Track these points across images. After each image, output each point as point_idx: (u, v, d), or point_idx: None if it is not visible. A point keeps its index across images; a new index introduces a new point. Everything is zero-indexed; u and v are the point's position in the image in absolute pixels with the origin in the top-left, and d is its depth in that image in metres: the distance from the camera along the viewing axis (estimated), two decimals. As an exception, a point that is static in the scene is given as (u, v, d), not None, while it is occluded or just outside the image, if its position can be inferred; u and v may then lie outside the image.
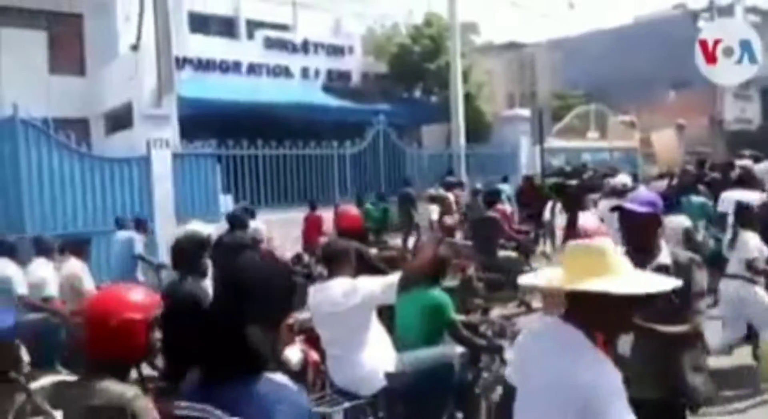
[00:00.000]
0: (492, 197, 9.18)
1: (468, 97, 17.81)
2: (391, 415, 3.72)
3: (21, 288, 5.63)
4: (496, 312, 7.19)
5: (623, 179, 9.32)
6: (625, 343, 2.78)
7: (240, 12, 18.90)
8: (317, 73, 17.74)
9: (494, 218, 8.35)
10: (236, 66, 16.39)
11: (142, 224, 8.56)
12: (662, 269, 2.73)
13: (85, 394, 2.18)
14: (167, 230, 9.40)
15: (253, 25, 18.34)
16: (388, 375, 3.66)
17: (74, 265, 6.22)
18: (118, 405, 2.12)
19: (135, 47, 13.92)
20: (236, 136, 12.22)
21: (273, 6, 18.76)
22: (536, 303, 8.01)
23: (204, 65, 15.85)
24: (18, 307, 5.35)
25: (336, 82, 17.95)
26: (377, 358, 3.70)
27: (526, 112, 18.09)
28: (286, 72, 17.16)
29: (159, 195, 10.61)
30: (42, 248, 6.29)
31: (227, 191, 12.28)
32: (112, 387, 2.17)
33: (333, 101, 16.83)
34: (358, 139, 14.33)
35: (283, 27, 18.80)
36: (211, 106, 13.79)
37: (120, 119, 15.34)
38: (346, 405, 3.60)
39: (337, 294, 3.69)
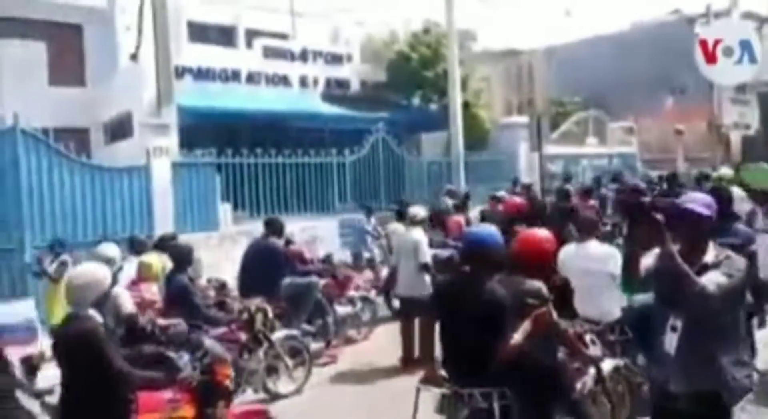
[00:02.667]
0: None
1: (466, 105, 17.87)
2: (621, 338, 4.95)
3: None
4: None
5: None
6: (670, 340, 3.04)
7: (239, 21, 18.99)
8: (316, 81, 17.81)
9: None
10: (235, 75, 16.45)
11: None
12: (704, 268, 2.98)
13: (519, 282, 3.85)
14: (167, 239, 9.40)
15: (252, 34, 18.42)
16: (623, 310, 4.97)
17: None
18: (537, 288, 3.81)
19: (134, 57, 14.01)
20: (235, 144, 12.26)
21: (272, 15, 18.85)
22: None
23: (203, 74, 15.91)
24: None
25: (335, 90, 18.01)
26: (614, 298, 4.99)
27: (524, 119, 18.15)
28: (285, 80, 17.23)
29: (159, 204, 10.63)
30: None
31: (226, 200, 12.31)
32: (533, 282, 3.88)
33: (332, 109, 16.89)
34: (357, 147, 14.37)
35: (281, 36, 18.89)
36: (211, 115, 13.85)
37: (120, 129, 15.40)
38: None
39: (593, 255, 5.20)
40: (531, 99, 31.37)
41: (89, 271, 3.81)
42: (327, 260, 8.87)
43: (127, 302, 5.39)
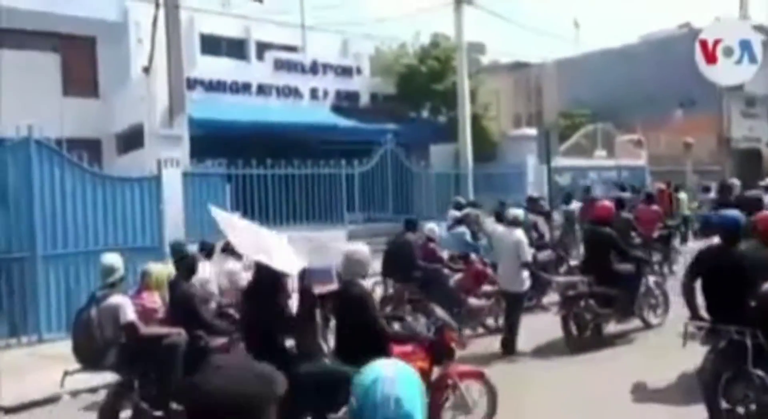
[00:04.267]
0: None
1: (475, 117, 17.94)
2: None
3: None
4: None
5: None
6: None
7: (250, 34, 19.20)
8: (326, 93, 17.94)
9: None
10: (246, 87, 16.61)
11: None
12: None
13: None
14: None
15: (263, 47, 18.61)
16: None
17: (232, 264, 7.37)
18: None
19: (147, 69, 14.15)
20: (245, 156, 12.36)
21: (282, 28, 19.04)
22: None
23: (214, 86, 16.08)
24: None
25: (344, 103, 18.13)
26: None
27: (532, 131, 18.19)
28: (295, 93, 17.37)
29: (169, 214, 10.72)
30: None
31: (236, 210, 12.39)
32: None
33: (341, 121, 16.99)
34: (366, 159, 14.45)
35: (292, 48, 19.07)
36: (221, 126, 13.98)
37: (131, 140, 15.55)
38: None
39: None
40: (539, 112, 31.41)
41: (363, 251, 4.95)
42: (462, 257, 9.43)
43: (128, 311, 5.42)
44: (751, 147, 27.55)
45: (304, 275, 4.74)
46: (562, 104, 29.29)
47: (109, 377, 5.61)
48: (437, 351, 5.05)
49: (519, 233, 8.05)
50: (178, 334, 5.50)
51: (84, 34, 16.81)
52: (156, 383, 5.37)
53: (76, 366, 5.45)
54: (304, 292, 4.73)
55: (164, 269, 6.53)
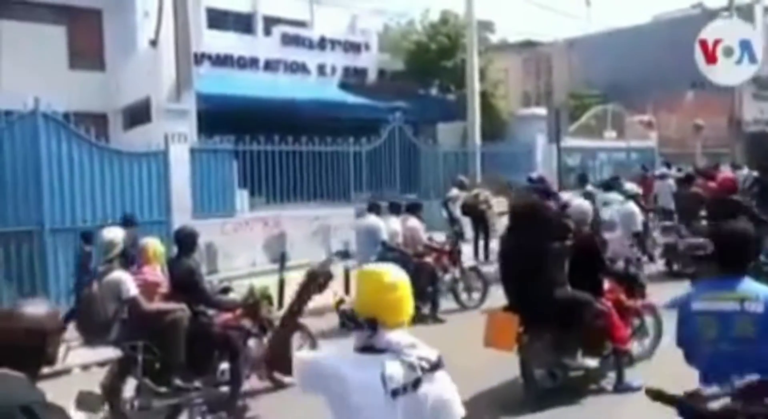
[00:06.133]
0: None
1: (484, 95, 17.77)
2: None
3: (384, 236, 8.55)
4: None
5: None
6: None
7: (257, 8, 18.98)
8: (334, 69, 17.78)
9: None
10: (253, 62, 16.47)
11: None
12: None
13: None
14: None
15: (271, 22, 18.40)
16: None
17: (414, 221, 9.07)
18: None
19: (154, 43, 14.03)
20: (253, 131, 12.28)
21: (290, 2, 18.84)
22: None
23: (221, 61, 15.95)
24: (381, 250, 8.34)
25: (352, 79, 17.98)
26: None
27: (542, 110, 18.03)
28: (302, 68, 17.22)
29: (176, 189, 10.69)
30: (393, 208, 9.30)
31: (243, 186, 12.35)
32: None
33: (349, 98, 16.87)
34: (374, 136, 14.35)
35: (300, 23, 18.86)
36: (229, 101, 13.88)
37: (138, 114, 15.47)
38: None
39: None
40: (549, 91, 31.14)
41: (586, 204, 6.71)
42: (430, 238, 9.65)
43: (131, 286, 5.38)
44: (761, 130, 27.27)
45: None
46: (572, 84, 29.01)
47: (113, 352, 5.59)
48: (630, 287, 6.24)
49: (633, 206, 9.21)
50: (181, 310, 5.46)
51: (90, 6, 16.62)
52: (159, 359, 5.35)
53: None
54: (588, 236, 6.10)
55: (158, 242, 6.37)
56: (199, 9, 16.56)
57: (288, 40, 17.20)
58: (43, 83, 12.15)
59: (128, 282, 5.40)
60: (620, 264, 7.78)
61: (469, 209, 12.24)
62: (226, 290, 6.38)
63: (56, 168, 9.37)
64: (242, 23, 18.80)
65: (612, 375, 5.73)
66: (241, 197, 12.14)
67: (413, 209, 9.44)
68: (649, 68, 25.36)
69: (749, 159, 20.22)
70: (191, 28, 12.59)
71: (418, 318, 7.66)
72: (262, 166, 12.44)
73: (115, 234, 5.75)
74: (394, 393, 2.05)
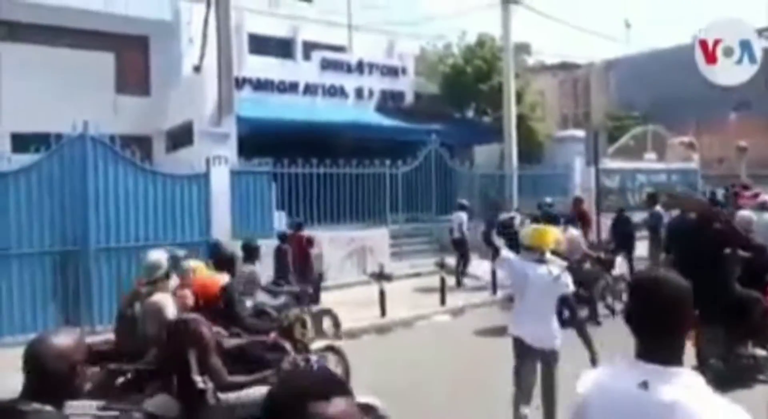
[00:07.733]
0: None
1: (521, 118, 17.74)
2: None
3: None
4: None
5: None
6: None
7: (297, 34, 19.38)
8: (371, 93, 18.01)
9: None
10: (293, 86, 16.80)
11: None
12: None
13: None
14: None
15: (310, 47, 18.77)
16: None
17: (573, 231, 9.63)
18: None
19: (197, 68, 14.44)
20: (292, 154, 12.50)
21: (329, 28, 19.18)
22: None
23: (262, 85, 16.31)
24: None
25: (389, 102, 18.17)
26: None
27: (580, 132, 17.88)
28: (341, 92, 17.48)
29: (217, 210, 10.92)
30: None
31: (281, 208, 12.54)
32: None
33: (386, 121, 17.03)
34: (411, 158, 14.44)
35: (338, 48, 19.17)
36: (268, 125, 14.15)
37: (181, 137, 15.87)
38: None
39: None
40: (587, 113, 30.86)
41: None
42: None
43: (170, 309, 5.42)
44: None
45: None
46: (610, 105, 28.71)
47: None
48: None
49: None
50: (217, 334, 5.50)
51: (138, 33, 17.21)
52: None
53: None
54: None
55: (204, 266, 6.41)
56: (241, 35, 17.04)
57: (327, 65, 17.51)
58: (92, 107, 12.59)
59: (170, 306, 5.43)
60: None
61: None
62: (261, 313, 6.43)
63: (102, 189, 9.67)
64: (283, 48, 19.21)
65: None
66: (280, 218, 12.32)
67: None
68: (691, 90, 24.90)
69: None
70: (234, 53, 12.94)
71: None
72: (300, 188, 12.62)
73: (159, 256, 5.84)
74: (556, 279, 4.67)
